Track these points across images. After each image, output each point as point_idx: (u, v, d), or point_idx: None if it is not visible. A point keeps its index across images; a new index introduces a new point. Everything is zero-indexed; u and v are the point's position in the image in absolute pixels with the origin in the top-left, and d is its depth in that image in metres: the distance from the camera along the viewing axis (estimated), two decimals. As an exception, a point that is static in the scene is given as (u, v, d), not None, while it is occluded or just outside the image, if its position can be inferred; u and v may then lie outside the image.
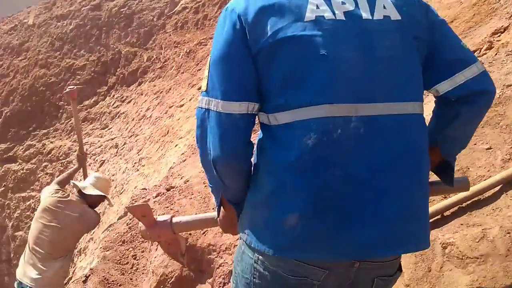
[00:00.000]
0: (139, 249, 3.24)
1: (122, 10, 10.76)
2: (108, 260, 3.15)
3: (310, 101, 1.18)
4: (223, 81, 1.23)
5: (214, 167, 1.27)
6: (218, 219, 1.56)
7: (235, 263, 1.40)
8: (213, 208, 3.13)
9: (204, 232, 2.87)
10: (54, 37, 10.79)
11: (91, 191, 3.98)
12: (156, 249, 3.01)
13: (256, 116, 1.29)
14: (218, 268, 2.60)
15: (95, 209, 4.06)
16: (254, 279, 1.30)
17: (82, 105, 9.92)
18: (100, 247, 3.34)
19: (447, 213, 1.96)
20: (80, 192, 4.01)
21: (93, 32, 10.59)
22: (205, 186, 3.59)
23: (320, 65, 1.18)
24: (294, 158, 1.18)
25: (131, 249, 3.25)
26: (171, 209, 3.30)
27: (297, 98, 1.19)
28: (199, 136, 1.29)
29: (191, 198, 3.42)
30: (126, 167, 7.87)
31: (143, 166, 7.30)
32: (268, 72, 1.22)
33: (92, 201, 4.01)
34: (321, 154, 1.17)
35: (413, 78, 1.27)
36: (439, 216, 1.95)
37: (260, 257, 1.26)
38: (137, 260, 3.14)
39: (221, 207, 1.47)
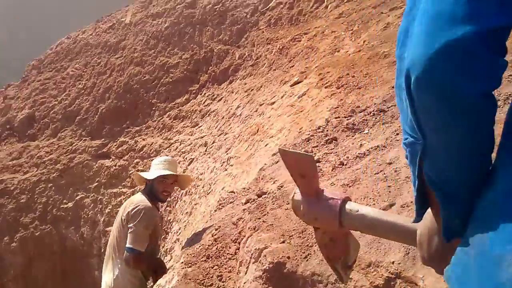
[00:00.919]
0: (226, 268, 2.73)
1: (216, 7, 10.55)
2: (190, 279, 2.68)
3: None
4: None
5: (407, 86, 0.65)
6: (418, 233, 0.90)
7: None
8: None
9: (306, 256, 2.28)
10: (150, 35, 10.84)
11: (144, 175, 3.70)
12: (246, 272, 2.48)
13: None
14: (324, 306, 2.01)
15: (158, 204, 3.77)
16: None
17: (174, 103, 9.82)
18: (182, 262, 2.88)
19: None
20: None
21: (187, 30, 10.48)
22: (304, 194, 3.02)
23: None
24: None
25: (216, 267, 2.76)
26: (263, 221, 2.76)
27: None
28: (401, 32, 0.69)
29: (287, 209, 2.85)
30: (215, 166, 7.53)
31: (231, 165, 6.90)
32: None
33: (156, 190, 3.61)
34: None
35: None
36: None
37: None
38: (223, 282, 2.63)
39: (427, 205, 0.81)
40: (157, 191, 3.67)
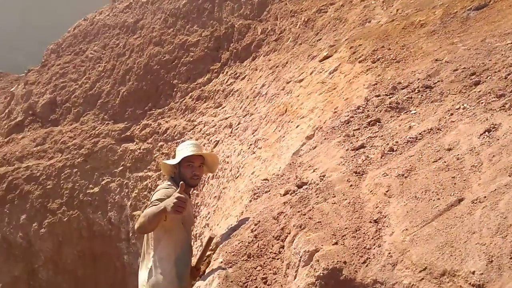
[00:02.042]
0: (270, 270, 2.49)
1: (234, -20, 10.14)
2: (232, 281, 2.46)
3: None
4: None
5: None
6: None
7: None
8: (371, 221, 2.27)
9: (365, 261, 2.02)
10: (167, 13, 10.52)
11: (169, 162, 3.51)
12: (295, 277, 2.24)
13: None
14: (394, 323, 1.75)
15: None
16: None
17: (195, 83, 9.56)
18: (221, 261, 2.65)
19: None
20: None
21: (205, 5, 10.12)
22: (351, 185, 2.74)
23: None
24: None
25: (259, 267, 2.52)
26: (309, 217, 2.50)
27: None
28: None
29: (334, 203, 2.58)
30: (241, 149, 7.29)
31: (259, 148, 6.64)
32: None
33: (184, 175, 3.36)
34: None
35: None
36: None
37: None
38: (268, 285, 2.40)
39: None
40: (186, 176, 3.44)
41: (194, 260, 3.76)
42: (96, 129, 10.47)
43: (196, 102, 9.29)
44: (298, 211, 2.67)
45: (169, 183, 3.45)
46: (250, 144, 7.09)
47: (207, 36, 9.77)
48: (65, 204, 10.29)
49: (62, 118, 11.37)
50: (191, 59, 9.79)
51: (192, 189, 3.79)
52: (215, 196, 7.31)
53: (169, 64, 10.04)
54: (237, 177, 6.74)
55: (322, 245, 2.19)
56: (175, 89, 9.74)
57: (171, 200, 2.87)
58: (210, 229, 6.52)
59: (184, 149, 3.50)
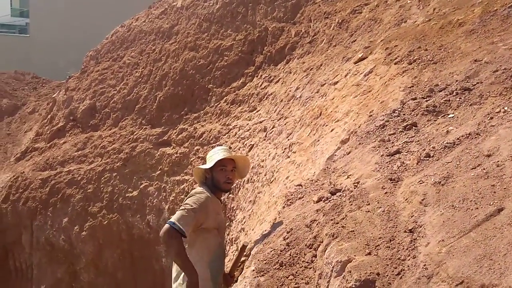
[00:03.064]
0: (302, 279, 2.46)
1: (268, -17, 10.12)
2: (263, 290, 2.44)
3: None
4: None
5: None
6: None
7: None
8: (406, 231, 2.21)
9: (399, 273, 1.96)
10: (202, 18, 10.62)
11: (203, 167, 3.58)
12: (328, 287, 2.20)
13: None
14: None
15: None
16: None
17: (230, 87, 9.60)
18: (253, 269, 2.64)
19: None
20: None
21: (239, 9, 10.16)
22: (385, 193, 2.67)
23: None
24: None
25: (291, 277, 2.49)
26: (342, 226, 2.45)
27: None
28: None
29: (368, 211, 2.53)
30: (276, 153, 7.26)
31: (294, 152, 6.60)
32: None
33: (217, 180, 3.44)
34: None
35: None
36: None
37: None
38: (300, 295, 2.37)
39: None
40: (219, 181, 3.52)
41: (227, 266, 3.77)
42: (134, 133, 10.67)
43: (231, 106, 9.33)
44: (331, 219, 2.63)
45: (202, 188, 3.51)
46: (285, 148, 7.05)
47: (241, 40, 9.80)
48: (105, 207, 10.53)
49: (102, 123, 11.65)
50: (226, 63, 9.84)
51: (224, 194, 3.82)
52: (250, 201, 7.31)
53: (204, 68, 10.12)
54: (272, 181, 6.72)
55: (355, 255, 2.14)
56: (210, 94, 9.81)
57: None
58: (246, 234, 6.52)
59: (216, 154, 3.57)
